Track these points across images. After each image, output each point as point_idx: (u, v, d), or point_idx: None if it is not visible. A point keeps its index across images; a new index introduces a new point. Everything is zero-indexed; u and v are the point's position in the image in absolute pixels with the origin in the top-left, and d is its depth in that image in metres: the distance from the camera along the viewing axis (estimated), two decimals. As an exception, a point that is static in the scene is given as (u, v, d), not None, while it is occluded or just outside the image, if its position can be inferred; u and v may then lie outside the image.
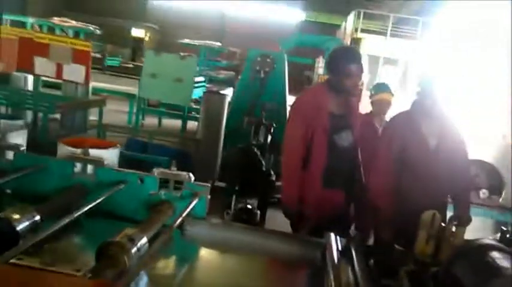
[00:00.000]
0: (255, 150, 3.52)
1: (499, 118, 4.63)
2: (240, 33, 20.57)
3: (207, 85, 10.46)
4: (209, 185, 1.97)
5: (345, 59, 2.72)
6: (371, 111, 3.98)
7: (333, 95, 2.76)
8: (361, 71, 2.70)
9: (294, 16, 22.03)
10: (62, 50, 4.69)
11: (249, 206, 3.58)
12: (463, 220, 2.56)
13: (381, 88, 3.96)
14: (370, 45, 15.24)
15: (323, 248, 1.94)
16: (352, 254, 1.83)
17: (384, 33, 15.55)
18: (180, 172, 1.96)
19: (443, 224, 2.26)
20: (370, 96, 3.97)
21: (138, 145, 5.35)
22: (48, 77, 5.16)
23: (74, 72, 4.71)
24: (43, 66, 4.78)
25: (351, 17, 16.11)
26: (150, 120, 8.97)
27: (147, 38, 22.76)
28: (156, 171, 1.95)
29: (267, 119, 4.40)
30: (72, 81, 5.07)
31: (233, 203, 3.56)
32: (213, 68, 15.50)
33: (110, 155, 2.58)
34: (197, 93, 7.25)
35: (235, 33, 20.98)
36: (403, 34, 15.55)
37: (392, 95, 3.88)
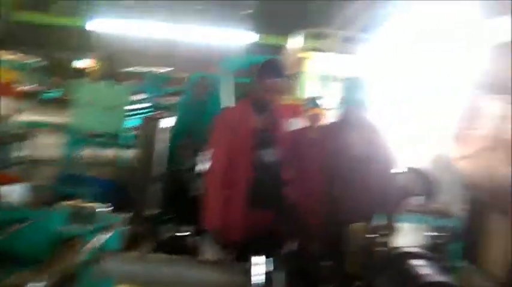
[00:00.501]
0: (180, 175, 3.38)
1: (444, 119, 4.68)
2: (190, 58, 20.51)
3: (155, 111, 10.20)
4: (123, 215, 1.84)
5: (262, 72, 2.66)
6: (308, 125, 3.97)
7: (256, 110, 2.68)
8: (281, 85, 2.63)
9: (245, 39, 22.30)
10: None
11: (178, 234, 3.41)
12: (387, 230, 2.53)
13: (311, 103, 3.99)
14: (317, 63, 15.50)
15: (247, 273, 1.85)
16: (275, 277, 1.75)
17: (331, 51, 15.85)
18: (90, 204, 1.83)
19: (370, 236, 2.24)
20: (304, 111, 3.99)
21: (69, 178, 5.10)
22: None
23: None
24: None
25: (299, 37, 16.42)
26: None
27: (93, 68, 22.23)
28: (64, 204, 1.80)
29: (196, 142, 4.26)
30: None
31: (164, 232, 3.40)
32: (161, 94, 15.26)
33: (12, 192, 2.35)
34: (138, 120, 7.04)
35: (184, 58, 20.92)
36: (350, 51, 15.89)
37: (323, 109, 3.91)
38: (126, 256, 1.84)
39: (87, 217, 1.78)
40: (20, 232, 1.72)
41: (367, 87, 2.73)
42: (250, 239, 2.52)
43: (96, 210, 1.81)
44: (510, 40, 3.73)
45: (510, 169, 3.28)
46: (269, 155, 2.63)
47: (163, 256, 2.00)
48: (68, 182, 4.99)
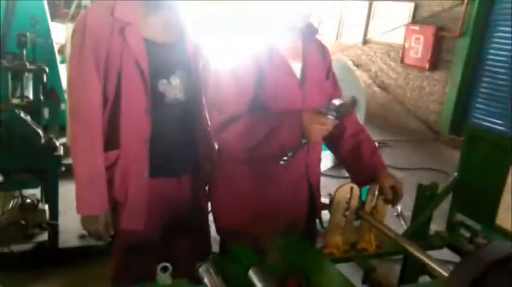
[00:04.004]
0: (22, 115, 2.16)
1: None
2: None
3: None
4: None
5: None
6: None
7: (146, 9, 1.46)
8: None
9: None
10: None
11: (29, 200, 2.34)
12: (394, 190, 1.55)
13: None
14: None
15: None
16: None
17: None
18: None
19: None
20: None
21: None
22: None
23: None
24: None
25: None
26: None
27: None
28: None
29: (35, 60, 2.84)
30: None
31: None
32: None
33: None
34: None
35: None
36: None
37: None
38: None
39: None
40: None
41: None
42: (158, 226, 1.55)
43: None
44: None
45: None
46: (174, 87, 1.50)
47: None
48: None
